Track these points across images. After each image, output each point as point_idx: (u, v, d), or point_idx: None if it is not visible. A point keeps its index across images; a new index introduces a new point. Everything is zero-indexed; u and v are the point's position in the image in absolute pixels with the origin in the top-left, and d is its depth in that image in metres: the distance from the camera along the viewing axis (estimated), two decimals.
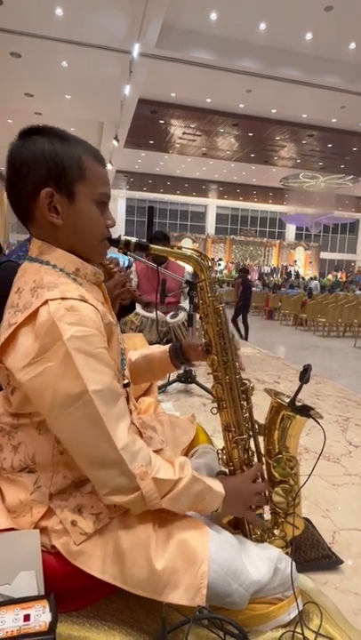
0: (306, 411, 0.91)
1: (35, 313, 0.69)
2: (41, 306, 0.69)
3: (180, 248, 0.95)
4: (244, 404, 0.94)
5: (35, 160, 0.75)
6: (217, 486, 0.80)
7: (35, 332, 0.69)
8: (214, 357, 0.93)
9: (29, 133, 0.77)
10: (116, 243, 0.89)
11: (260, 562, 0.80)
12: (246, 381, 0.95)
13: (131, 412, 0.93)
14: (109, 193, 0.83)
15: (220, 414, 0.94)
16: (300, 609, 0.81)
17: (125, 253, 0.94)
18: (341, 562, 1.15)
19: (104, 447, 0.70)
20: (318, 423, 0.90)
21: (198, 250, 0.98)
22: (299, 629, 0.78)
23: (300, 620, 0.79)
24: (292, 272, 23.23)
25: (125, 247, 0.90)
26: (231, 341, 0.95)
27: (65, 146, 0.76)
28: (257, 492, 0.88)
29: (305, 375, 0.90)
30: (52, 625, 0.64)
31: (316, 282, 11.48)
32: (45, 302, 0.69)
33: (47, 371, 0.67)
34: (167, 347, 1.12)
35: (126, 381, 0.91)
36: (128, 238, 0.90)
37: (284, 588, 0.81)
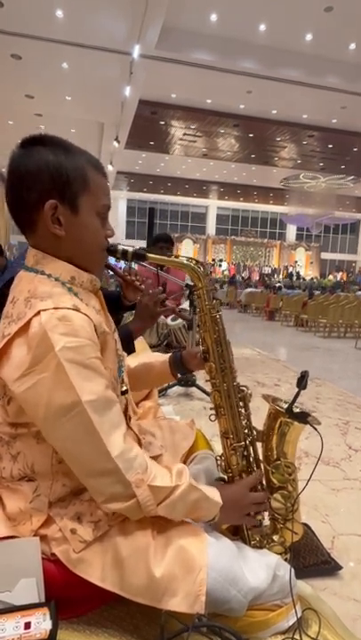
0: (303, 417, 0.92)
1: (27, 324, 0.69)
2: (33, 316, 0.69)
3: (177, 256, 0.95)
4: (242, 410, 0.95)
5: (39, 171, 0.74)
6: (214, 495, 0.81)
7: (27, 344, 0.69)
8: (212, 365, 0.94)
9: (32, 143, 0.77)
10: (113, 252, 0.90)
11: (259, 568, 0.80)
12: (244, 388, 0.96)
13: (130, 418, 0.93)
14: (110, 204, 0.84)
15: (219, 421, 0.94)
16: (299, 616, 0.82)
17: (125, 262, 0.95)
18: (341, 567, 1.15)
19: (99, 456, 0.70)
20: (316, 430, 0.90)
21: (195, 258, 0.99)
22: (297, 636, 0.78)
23: (298, 627, 0.79)
24: (293, 273, 23.20)
25: (123, 256, 0.91)
26: (228, 349, 0.96)
27: (69, 157, 0.76)
28: (255, 501, 0.89)
29: (302, 381, 0.91)
30: (53, 632, 0.64)
31: (318, 291, 11.49)
32: (38, 313, 0.69)
33: (40, 382, 0.68)
34: (167, 356, 1.12)
35: (124, 388, 0.91)
36: (125, 247, 0.91)
37: (282, 594, 0.81)
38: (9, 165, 0.77)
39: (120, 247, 0.91)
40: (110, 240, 0.88)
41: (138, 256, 0.91)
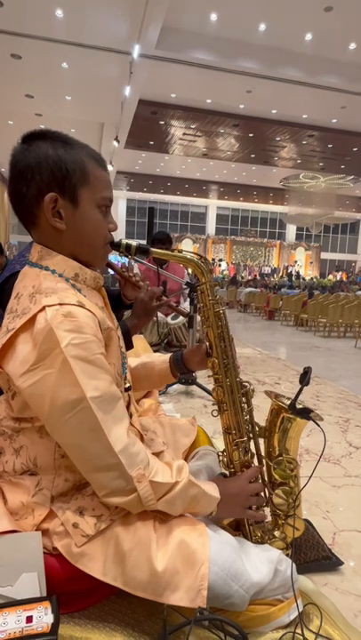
0: (306, 413, 0.92)
1: (32, 319, 0.70)
2: (39, 312, 0.69)
3: (180, 251, 0.95)
4: (245, 406, 0.95)
5: (38, 165, 0.74)
6: (212, 490, 0.81)
7: (33, 339, 0.69)
8: (215, 360, 0.94)
9: (32, 138, 0.77)
10: (117, 246, 0.89)
11: (261, 563, 0.81)
12: (246, 384, 0.96)
13: (131, 416, 0.93)
14: (112, 197, 0.84)
15: (221, 417, 0.95)
16: (301, 610, 0.82)
17: (127, 257, 0.95)
18: (342, 563, 1.15)
19: (102, 451, 0.70)
20: (319, 426, 0.90)
21: (199, 253, 0.99)
22: (299, 630, 0.78)
23: (300, 622, 0.79)
24: (293, 272, 23.21)
25: (126, 251, 0.91)
26: (231, 344, 0.96)
27: (68, 150, 0.76)
28: (254, 493, 0.89)
29: (305, 377, 0.91)
30: (55, 626, 0.64)
31: (318, 291, 11.53)
32: (43, 308, 0.69)
33: (45, 378, 0.68)
34: (168, 356, 1.12)
35: (127, 385, 0.91)
36: (129, 242, 0.91)
37: (284, 589, 0.82)
38: (10, 161, 0.77)
39: (123, 241, 0.91)
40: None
41: (141, 250, 0.91)
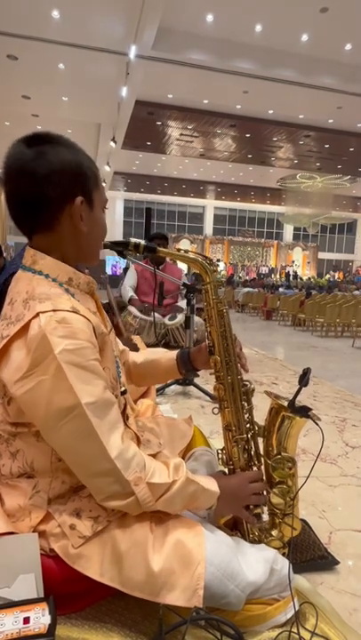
0: (305, 412, 0.92)
1: (26, 326, 0.69)
2: (32, 318, 0.69)
3: (186, 251, 0.97)
4: (245, 404, 0.96)
5: (62, 169, 0.74)
6: (211, 486, 0.82)
7: (27, 346, 0.69)
8: (217, 358, 0.95)
9: (40, 141, 0.74)
10: (125, 245, 0.93)
11: (257, 563, 0.81)
12: (247, 382, 0.97)
13: (128, 417, 0.94)
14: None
15: (222, 414, 0.96)
16: (297, 609, 0.82)
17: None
18: (337, 562, 1.16)
19: (98, 457, 0.71)
20: (317, 424, 0.91)
21: (203, 254, 1.01)
22: (295, 629, 0.79)
23: (296, 621, 0.80)
24: (291, 272, 23.26)
25: (135, 249, 0.94)
26: (234, 343, 0.97)
27: (80, 155, 0.78)
28: (254, 491, 0.90)
29: (304, 378, 0.92)
30: (52, 627, 0.65)
31: (315, 291, 11.59)
32: (37, 315, 0.69)
33: (40, 384, 0.68)
34: (174, 354, 1.11)
35: (123, 389, 0.91)
36: (137, 241, 0.95)
37: (280, 588, 0.82)
38: (21, 165, 0.73)
39: (132, 240, 0.94)
40: (107, 239, 0.90)
41: (149, 249, 0.94)
